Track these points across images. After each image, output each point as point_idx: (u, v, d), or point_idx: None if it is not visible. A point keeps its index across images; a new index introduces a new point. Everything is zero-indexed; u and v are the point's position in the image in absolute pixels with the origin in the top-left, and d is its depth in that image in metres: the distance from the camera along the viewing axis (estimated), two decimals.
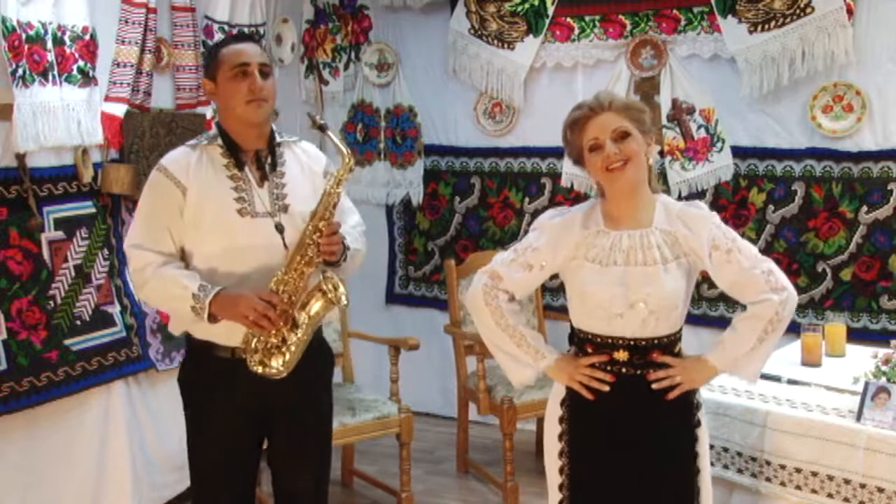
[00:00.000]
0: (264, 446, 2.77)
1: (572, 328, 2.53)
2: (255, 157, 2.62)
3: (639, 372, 2.40)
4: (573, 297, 2.47)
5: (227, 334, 2.54)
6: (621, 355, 2.39)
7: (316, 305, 2.57)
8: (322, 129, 2.65)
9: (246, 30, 4.62)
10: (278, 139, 2.69)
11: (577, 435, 2.48)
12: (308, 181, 2.70)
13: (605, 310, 2.37)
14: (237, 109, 2.55)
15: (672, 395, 2.40)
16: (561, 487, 2.50)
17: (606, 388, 2.40)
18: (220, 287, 2.48)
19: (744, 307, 2.44)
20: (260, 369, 2.52)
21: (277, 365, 2.53)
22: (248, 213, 2.56)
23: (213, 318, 2.48)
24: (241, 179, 2.58)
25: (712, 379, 2.48)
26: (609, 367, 2.41)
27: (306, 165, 2.73)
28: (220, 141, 2.60)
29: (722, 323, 3.99)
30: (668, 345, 2.41)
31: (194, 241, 2.56)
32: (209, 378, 2.61)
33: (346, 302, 2.59)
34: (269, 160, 2.63)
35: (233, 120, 2.59)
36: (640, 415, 2.42)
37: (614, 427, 2.43)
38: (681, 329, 2.45)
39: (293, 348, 2.54)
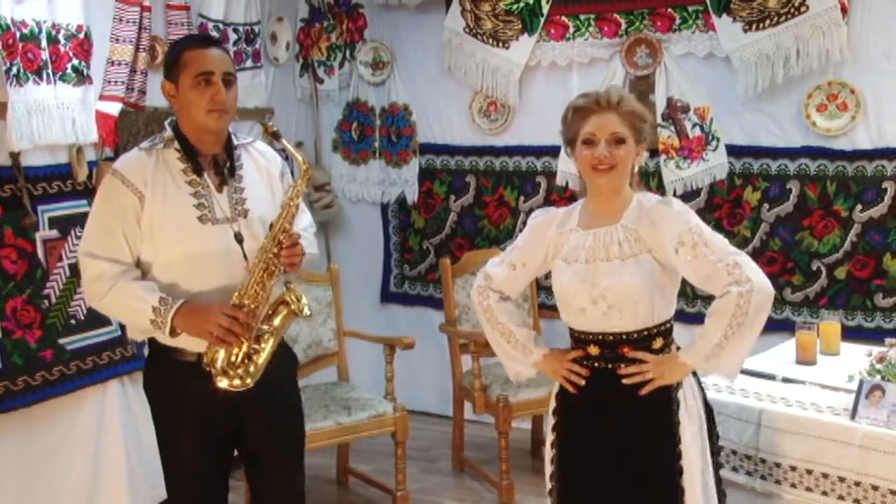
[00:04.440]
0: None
1: None
2: (212, 162, 2.58)
3: (610, 366, 2.45)
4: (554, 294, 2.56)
5: (194, 341, 2.49)
6: (593, 350, 2.47)
7: (280, 317, 2.56)
8: (275, 136, 2.58)
9: (241, 28, 4.62)
10: (235, 142, 2.65)
11: (565, 427, 2.56)
12: (265, 184, 2.69)
13: (571, 305, 2.46)
14: (197, 117, 2.51)
15: (644, 390, 2.42)
16: (552, 477, 2.58)
17: (582, 382, 2.48)
18: (181, 301, 2.44)
19: None
20: (224, 383, 2.49)
21: (242, 378, 2.50)
22: (209, 220, 2.52)
23: (174, 333, 2.45)
24: (199, 185, 2.53)
25: (684, 375, 2.45)
26: (585, 362, 2.49)
27: (263, 168, 2.71)
28: (176, 145, 2.54)
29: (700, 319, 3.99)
30: (640, 340, 2.43)
31: (152, 250, 2.49)
32: (177, 385, 2.56)
33: (309, 313, 2.59)
34: (227, 165, 2.60)
35: (191, 125, 2.54)
36: (614, 408, 2.46)
37: (592, 419, 2.49)
38: (663, 325, 2.45)
39: (258, 361, 2.52)
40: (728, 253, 2.37)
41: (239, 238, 2.54)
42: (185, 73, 2.49)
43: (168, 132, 2.56)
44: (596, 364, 2.47)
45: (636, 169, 2.49)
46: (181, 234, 2.49)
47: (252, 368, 2.51)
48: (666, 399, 2.44)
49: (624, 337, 2.43)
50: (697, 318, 4.32)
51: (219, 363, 2.48)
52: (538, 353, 2.59)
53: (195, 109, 2.50)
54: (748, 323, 2.32)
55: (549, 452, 2.60)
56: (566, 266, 2.47)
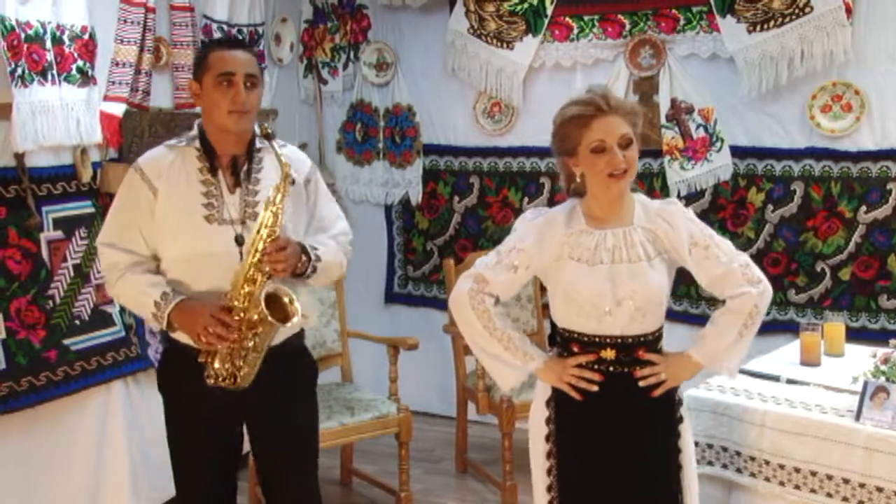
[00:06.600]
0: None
1: (554, 329, 2.54)
2: (230, 163, 2.59)
3: (626, 370, 2.42)
4: (558, 297, 2.46)
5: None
6: (608, 353, 2.41)
7: (267, 320, 2.46)
8: (268, 137, 2.56)
9: (245, 29, 4.62)
10: (258, 145, 2.63)
11: (565, 435, 2.49)
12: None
13: (594, 307, 2.38)
14: (218, 118, 2.53)
15: (657, 392, 2.43)
16: (549, 488, 2.50)
17: (595, 388, 2.41)
18: (180, 298, 2.49)
19: (723, 302, 2.48)
20: (214, 381, 2.50)
21: (230, 379, 2.50)
22: (216, 220, 2.53)
23: (171, 328, 2.52)
24: (212, 185, 2.56)
25: (695, 374, 2.50)
26: (597, 366, 2.42)
27: None
28: (197, 143, 2.58)
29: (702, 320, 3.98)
30: (653, 342, 2.45)
31: (162, 244, 2.56)
32: (186, 373, 2.57)
33: (298, 319, 2.50)
34: (245, 167, 2.60)
35: (213, 125, 2.57)
36: (628, 412, 2.44)
37: (602, 425, 2.45)
38: (662, 326, 2.48)
39: (249, 361, 2.50)
40: (736, 253, 2.45)
41: (240, 240, 2.54)
42: (209, 73, 2.53)
43: (195, 131, 2.61)
44: (611, 368, 2.42)
45: None
46: (182, 230, 2.52)
47: (244, 371, 2.50)
48: (672, 399, 2.48)
49: (641, 339, 2.42)
50: (702, 320, 4.36)
51: (216, 362, 2.50)
52: (540, 360, 2.48)
53: (217, 110, 2.53)
54: (758, 322, 2.42)
55: (542, 463, 2.51)
56: (588, 268, 2.39)
